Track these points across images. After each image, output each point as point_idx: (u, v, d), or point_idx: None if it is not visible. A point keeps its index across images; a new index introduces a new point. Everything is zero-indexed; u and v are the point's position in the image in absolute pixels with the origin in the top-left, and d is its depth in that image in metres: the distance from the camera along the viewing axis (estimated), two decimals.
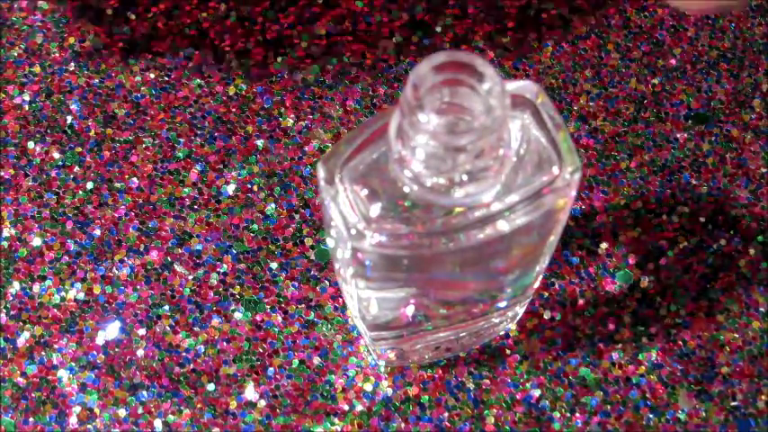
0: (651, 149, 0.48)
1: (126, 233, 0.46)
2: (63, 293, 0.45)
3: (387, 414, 0.43)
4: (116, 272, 0.45)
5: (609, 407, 0.43)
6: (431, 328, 0.40)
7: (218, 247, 0.46)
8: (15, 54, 0.50)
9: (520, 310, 0.43)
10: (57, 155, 0.48)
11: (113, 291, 0.45)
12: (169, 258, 0.46)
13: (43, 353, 0.44)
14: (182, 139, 0.48)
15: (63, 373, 0.44)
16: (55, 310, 0.45)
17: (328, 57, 0.49)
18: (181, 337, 0.44)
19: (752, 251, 0.46)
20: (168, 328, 0.44)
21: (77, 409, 0.43)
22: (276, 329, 0.44)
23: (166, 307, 0.45)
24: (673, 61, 0.49)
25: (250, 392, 0.43)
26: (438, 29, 0.50)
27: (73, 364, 0.44)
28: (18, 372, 0.44)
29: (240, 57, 0.49)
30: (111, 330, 0.44)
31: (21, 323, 0.44)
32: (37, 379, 0.44)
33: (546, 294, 0.45)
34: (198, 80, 0.49)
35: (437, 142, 0.29)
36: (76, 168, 0.47)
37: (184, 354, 0.44)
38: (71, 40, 0.49)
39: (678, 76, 0.49)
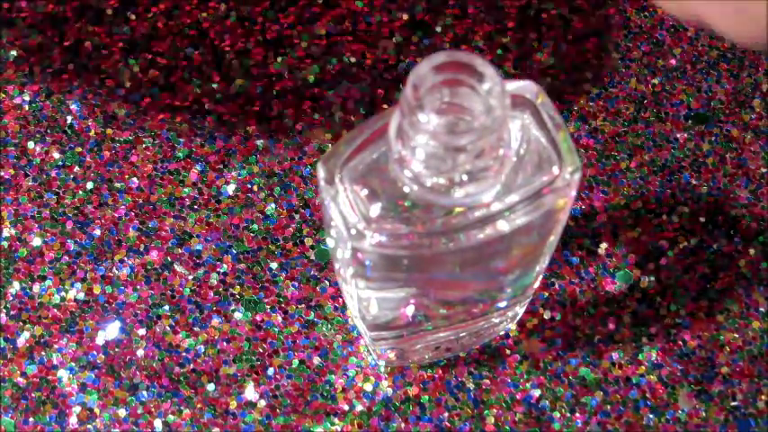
0: (651, 149, 0.48)
1: (126, 233, 0.46)
2: (63, 293, 0.45)
3: (387, 414, 0.43)
4: (116, 272, 0.45)
5: (609, 407, 0.43)
6: (431, 328, 0.40)
7: (218, 247, 0.46)
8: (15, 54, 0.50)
9: (520, 310, 0.43)
10: (57, 155, 0.48)
11: (113, 291, 0.45)
12: (169, 258, 0.46)
13: (43, 353, 0.44)
14: (182, 139, 0.48)
15: (63, 373, 0.44)
16: (55, 310, 0.45)
17: (328, 57, 0.49)
18: (181, 337, 0.44)
19: (752, 251, 0.46)
20: (168, 328, 0.44)
21: (77, 409, 0.43)
22: (276, 329, 0.44)
23: (166, 307, 0.45)
24: (673, 61, 0.49)
25: (250, 392, 0.43)
26: (438, 29, 0.50)
27: (73, 364, 0.44)
28: (18, 372, 0.44)
29: (240, 57, 0.49)
30: (111, 330, 0.44)
31: (21, 323, 0.44)
32: (37, 379, 0.44)
33: (546, 294, 0.45)
34: (197, 80, 0.49)
35: (437, 142, 0.29)
36: (76, 168, 0.47)
37: (184, 354, 0.44)
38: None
39: (678, 76, 0.49)
